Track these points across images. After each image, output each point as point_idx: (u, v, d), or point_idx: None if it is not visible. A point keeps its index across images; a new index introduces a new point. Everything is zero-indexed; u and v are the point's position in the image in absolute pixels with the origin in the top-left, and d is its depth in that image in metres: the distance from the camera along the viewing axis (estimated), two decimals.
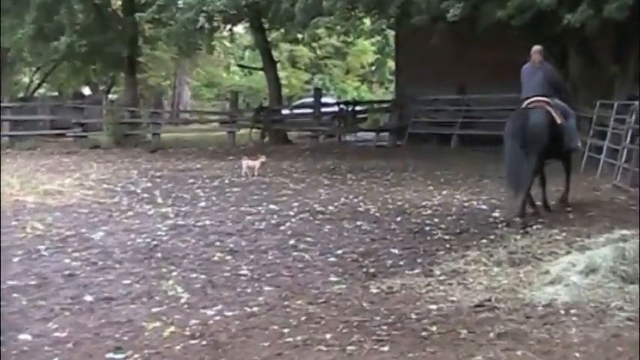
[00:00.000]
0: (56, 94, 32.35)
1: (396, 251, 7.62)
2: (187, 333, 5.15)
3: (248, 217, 9.72)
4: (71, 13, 22.77)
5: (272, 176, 14.39)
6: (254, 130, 24.25)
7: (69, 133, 23.76)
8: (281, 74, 30.05)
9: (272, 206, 10.61)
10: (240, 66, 42.19)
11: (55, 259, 7.36)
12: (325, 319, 5.41)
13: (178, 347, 4.89)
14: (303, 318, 5.44)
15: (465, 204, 10.58)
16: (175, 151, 21.02)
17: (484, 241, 7.90)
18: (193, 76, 43.35)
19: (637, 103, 12.29)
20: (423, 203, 10.66)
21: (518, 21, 14.23)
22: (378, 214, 9.86)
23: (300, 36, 25.63)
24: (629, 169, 11.80)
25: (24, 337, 5.09)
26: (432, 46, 17.13)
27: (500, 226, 8.79)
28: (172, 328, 5.22)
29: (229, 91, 32.76)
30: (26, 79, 32.20)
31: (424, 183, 13.02)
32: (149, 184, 13.40)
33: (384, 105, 27.51)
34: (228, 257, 7.45)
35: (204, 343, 4.96)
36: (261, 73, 28.48)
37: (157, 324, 5.31)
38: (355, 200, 11.15)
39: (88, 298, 6.01)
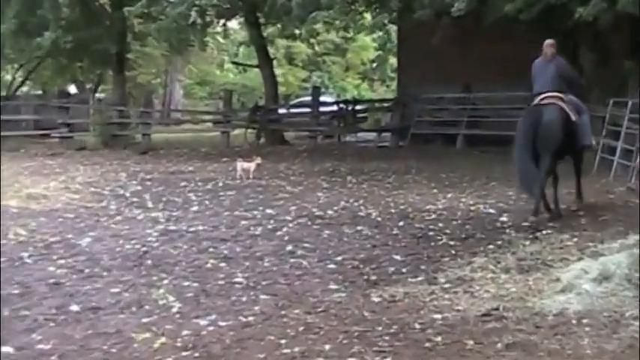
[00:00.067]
0: (40, 92, 32.37)
1: (398, 258, 7.62)
2: (179, 344, 5.14)
3: (243, 222, 9.72)
4: (56, 7, 22.73)
5: (268, 179, 14.39)
6: (249, 131, 24.24)
7: (54, 134, 23.74)
8: (277, 72, 30.03)
9: (268, 210, 10.60)
10: (234, 63, 42.23)
11: (40, 267, 7.34)
12: (324, 329, 5.41)
13: (169, 359, 4.88)
14: (300, 328, 5.44)
15: (471, 208, 10.58)
16: (166, 152, 21.01)
17: (491, 246, 7.90)
18: (185, 73, 43.37)
19: None
20: (427, 207, 10.66)
21: (527, 15, 14.26)
22: (379, 219, 9.86)
23: (297, 31, 25.62)
24: None
25: (6, 349, 5.07)
26: (436, 41, 17.17)
27: (508, 231, 8.79)
28: (163, 339, 5.21)
29: (223, 90, 32.74)
30: (8, 77, 32.20)
31: (428, 186, 13.02)
32: (139, 188, 13.39)
33: (386, 104, 27.53)
34: (222, 264, 7.45)
35: (196, 354, 4.95)
36: (257, 70, 28.49)
37: (147, 335, 5.30)
38: (355, 204, 11.15)
39: (74, 307, 5.99)
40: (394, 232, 8.95)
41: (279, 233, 8.99)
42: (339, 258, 7.64)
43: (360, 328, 5.39)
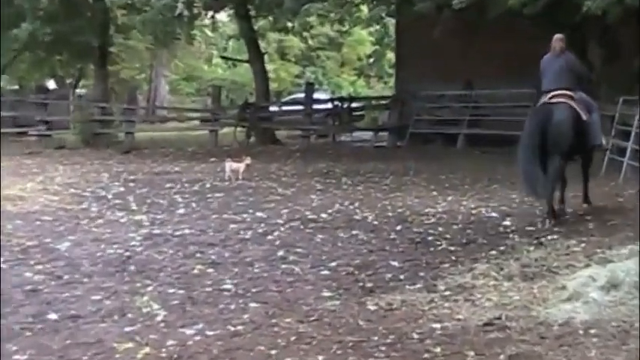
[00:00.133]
0: (17, 87, 32.28)
1: (395, 264, 7.63)
2: (164, 355, 5.14)
3: (232, 226, 9.72)
4: None
5: (259, 180, 14.39)
6: (238, 129, 24.23)
7: (31, 132, 23.71)
8: (269, 67, 30.08)
9: (259, 213, 10.61)
10: (223, 58, 42.18)
11: (16, 273, 7.33)
12: (317, 339, 5.41)
13: None
14: (292, 338, 5.44)
15: (473, 211, 10.60)
16: (151, 152, 20.98)
17: (494, 252, 7.91)
18: (171, 68, 43.36)
19: None
20: (426, 210, 10.68)
21: (532, 9, 14.29)
22: (376, 223, 9.87)
23: (289, 24, 25.66)
24: None
25: None
26: (437, 36, 17.18)
27: (511, 235, 8.81)
28: (147, 350, 5.21)
29: (211, 86, 32.76)
30: None
31: (427, 188, 13.03)
32: (121, 189, 13.37)
33: (383, 101, 27.50)
34: (210, 270, 7.44)
35: None
36: (247, 65, 28.52)
37: (130, 345, 5.30)
38: (351, 207, 11.16)
39: (53, 316, 5.99)
40: (391, 237, 8.96)
41: (270, 238, 8.98)
42: (333, 264, 7.65)
43: (354, 338, 5.39)
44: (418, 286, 6.77)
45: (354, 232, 9.25)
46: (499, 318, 5.73)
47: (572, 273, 6.79)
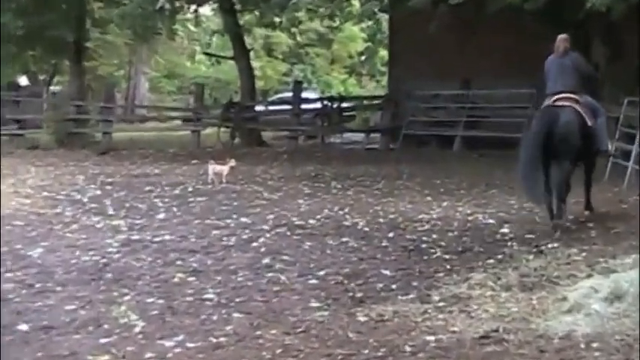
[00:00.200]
0: None
1: (387, 273, 7.63)
2: None
3: (215, 232, 9.71)
4: None
5: (243, 184, 14.39)
6: (222, 130, 24.23)
7: (2, 131, 23.61)
8: (255, 64, 30.08)
9: (243, 219, 10.60)
10: (206, 54, 42.18)
11: None
12: (304, 351, 5.41)
13: None
14: (278, 350, 5.44)
15: (469, 218, 10.62)
16: (129, 153, 20.96)
17: (491, 261, 7.92)
18: (151, 65, 43.32)
19: None
20: (420, 217, 10.69)
21: (533, 5, 14.33)
22: (366, 229, 9.88)
23: (277, 20, 25.69)
24: None
25: None
26: (432, 33, 17.21)
27: (509, 244, 8.82)
28: None
29: (194, 84, 32.77)
30: None
31: (421, 193, 13.05)
32: (98, 192, 13.35)
33: (375, 101, 27.56)
34: (191, 279, 7.43)
35: None
36: (232, 62, 28.48)
37: (106, 357, 5.29)
38: (340, 212, 11.17)
39: (23, 327, 5.96)
40: (383, 245, 8.96)
41: (254, 244, 8.98)
42: (322, 273, 7.64)
43: (344, 351, 5.39)
44: (411, 296, 6.76)
45: (343, 239, 9.25)
46: (496, 330, 5.74)
47: (574, 283, 6.81)
